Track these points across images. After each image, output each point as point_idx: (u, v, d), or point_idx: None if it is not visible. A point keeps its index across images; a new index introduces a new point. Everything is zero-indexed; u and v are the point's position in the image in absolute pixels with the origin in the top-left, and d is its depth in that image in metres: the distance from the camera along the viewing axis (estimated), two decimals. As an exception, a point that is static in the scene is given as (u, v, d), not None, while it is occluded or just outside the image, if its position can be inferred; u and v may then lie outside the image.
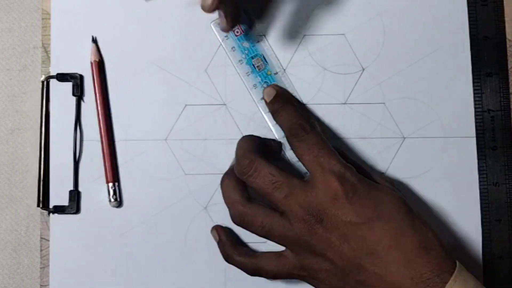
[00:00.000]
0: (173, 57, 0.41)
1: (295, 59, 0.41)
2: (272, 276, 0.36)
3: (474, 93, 0.40)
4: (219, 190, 0.40)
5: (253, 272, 0.37)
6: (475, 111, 0.40)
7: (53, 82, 0.41)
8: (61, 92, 0.40)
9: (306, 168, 0.35)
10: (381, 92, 0.41)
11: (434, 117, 0.40)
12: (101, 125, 0.40)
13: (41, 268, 0.40)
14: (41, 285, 0.40)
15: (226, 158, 0.40)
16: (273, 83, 0.40)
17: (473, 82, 0.41)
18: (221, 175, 0.40)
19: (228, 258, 0.38)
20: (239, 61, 0.40)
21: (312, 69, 0.41)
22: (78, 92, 0.40)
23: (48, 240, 0.40)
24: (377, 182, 0.36)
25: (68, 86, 0.40)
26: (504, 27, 0.41)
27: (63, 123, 0.40)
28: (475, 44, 0.41)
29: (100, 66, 0.40)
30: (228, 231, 0.39)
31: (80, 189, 0.40)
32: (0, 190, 0.41)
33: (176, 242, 0.40)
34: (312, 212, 0.34)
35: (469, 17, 0.41)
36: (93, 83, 0.40)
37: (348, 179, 0.34)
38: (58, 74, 0.40)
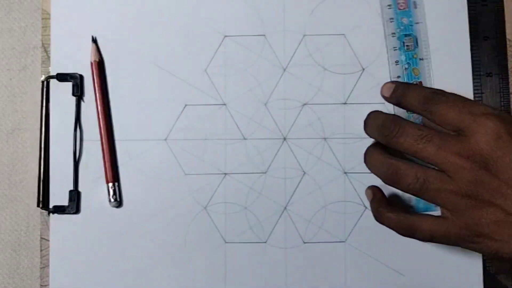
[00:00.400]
0: (173, 57, 0.41)
1: (295, 59, 0.41)
2: (428, 236, 0.33)
3: (474, 93, 0.40)
4: (219, 190, 0.40)
5: (406, 230, 0.34)
6: (475, 111, 0.40)
7: (53, 82, 0.41)
8: (61, 92, 0.40)
9: (455, 126, 0.32)
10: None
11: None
12: (101, 125, 0.40)
13: (41, 268, 0.40)
14: (41, 285, 0.40)
15: (226, 158, 0.40)
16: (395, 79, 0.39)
17: (473, 82, 0.41)
18: (221, 175, 0.40)
19: (379, 216, 0.36)
20: (392, 33, 0.40)
21: (312, 69, 0.41)
22: (78, 92, 0.40)
23: (48, 240, 0.40)
24: None
25: (68, 86, 0.40)
26: (504, 27, 0.41)
27: (63, 123, 0.40)
28: (475, 44, 0.41)
29: (100, 66, 0.40)
30: (382, 192, 0.38)
31: (80, 189, 0.40)
32: (0, 190, 0.41)
33: (176, 242, 0.40)
34: (474, 158, 0.31)
35: (469, 17, 0.41)
36: (93, 83, 0.40)
37: (507, 118, 0.31)
38: (58, 74, 0.40)
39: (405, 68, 0.40)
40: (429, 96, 0.34)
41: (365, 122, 0.37)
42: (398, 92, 0.36)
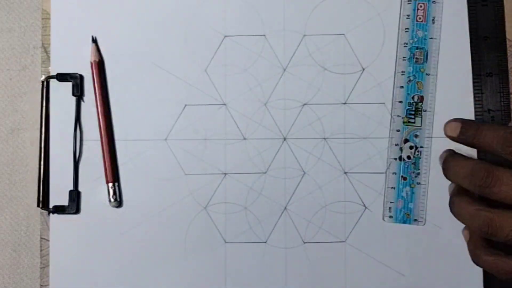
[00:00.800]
0: (173, 57, 0.41)
1: (295, 59, 0.41)
2: None
3: (474, 93, 0.40)
4: (219, 190, 0.40)
5: (506, 275, 0.33)
6: (475, 111, 0.40)
7: (53, 82, 0.41)
8: (61, 92, 0.40)
9: None
10: (381, 92, 0.41)
11: (434, 117, 0.40)
12: (101, 125, 0.40)
13: (41, 268, 0.40)
14: (41, 285, 0.40)
15: (226, 158, 0.40)
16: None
17: (473, 82, 0.41)
18: (221, 175, 0.40)
19: (476, 258, 0.35)
20: (404, 43, 0.40)
21: (312, 69, 0.41)
22: (78, 92, 0.40)
23: (48, 240, 0.40)
24: None
25: (68, 86, 0.40)
26: (504, 27, 0.41)
27: (63, 123, 0.40)
28: (475, 44, 0.41)
29: (100, 66, 0.40)
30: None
31: (80, 189, 0.40)
32: (0, 190, 0.41)
33: (176, 242, 0.40)
34: None
35: (469, 17, 0.41)
36: (93, 83, 0.40)
37: None
38: (58, 74, 0.40)
39: (409, 80, 0.40)
40: (510, 138, 0.33)
41: (446, 167, 0.36)
42: (469, 133, 0.36)
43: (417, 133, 0.40)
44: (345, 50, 0.41)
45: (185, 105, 0.41)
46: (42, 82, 0.40)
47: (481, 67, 0.41)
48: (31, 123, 0.41)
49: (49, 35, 0.41)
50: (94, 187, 0.40)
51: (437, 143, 0.40)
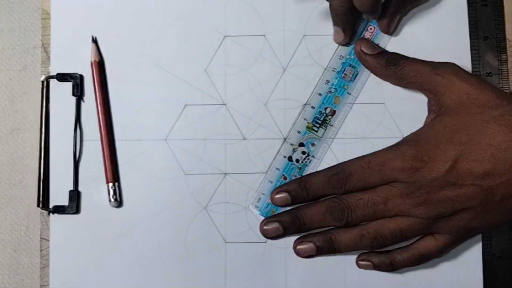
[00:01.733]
0: (173, 57, 0.41)
1: (295, 59, 0.41)
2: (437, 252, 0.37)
3: (474, 93, 0.40)
4: (219, 190, 0.40)
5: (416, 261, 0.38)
6: (475, 111, 0.40)
7: (53, 82, 0.41)
8: (61, 92, 0.40)
9: (380, 185, 0.37)
10: (381, 92, 0.41)
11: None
12: (101, 125, 0.40)
13: (41, 268, 0.40)
14: (41, 285, 0.40)
15: (226, 158, 0.40)
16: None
17: (473, 82, 0.40)
18: (221, 175, 0.40)
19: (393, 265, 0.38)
20: (340, 55, 0.40)
21: (312, 69, 0.41)
22: (78, 92, 0.40)
23: (48, 240, 0.40)
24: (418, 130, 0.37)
25: (68, 86, 0.40)
26: (504, 27, 0.41)
27: (63, 123, 0.40)
28: (475, 44, 0.41)
29: (100, 66, 0.40)
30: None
31: (80, 189, 0.40)
32: (0, 190, 0.41)
33: (176, 242, 0.40)
34: (414, 195, 0.35)
35: (469, 17, 0.41)
36: (93, 83, 0.40)
37: (407, 150, 0.36)
38: (58, 74, 0.40)
39: (330, 91, 0.40)
40: (336, 183, 0.37)
41: (308, 223, 0.38)
42: (300, 193, 0.38)
43: (315, 142, 0.40)
44: (345, 50, 0.41)
45: (185, 105, 0.41)
46: (42, 82, 0.40)
47: (481, 67, 0.41)
48: (31, 123, 0.41)
49: (49, 35, 0.41)
50: (94, 187, 0.40)
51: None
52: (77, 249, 0.40)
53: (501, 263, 0.40)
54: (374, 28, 0.40)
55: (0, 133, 0.41)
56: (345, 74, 0.40)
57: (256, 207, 0.40)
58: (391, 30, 0.40)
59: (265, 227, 0.39)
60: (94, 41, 0.41)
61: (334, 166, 0.38)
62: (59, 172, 0.40)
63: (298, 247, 0.39)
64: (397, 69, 0.38)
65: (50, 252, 0.40)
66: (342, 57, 0.40)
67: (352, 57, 0.40)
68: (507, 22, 0.41)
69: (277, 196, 0.38)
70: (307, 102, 0.40)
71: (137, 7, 0.41)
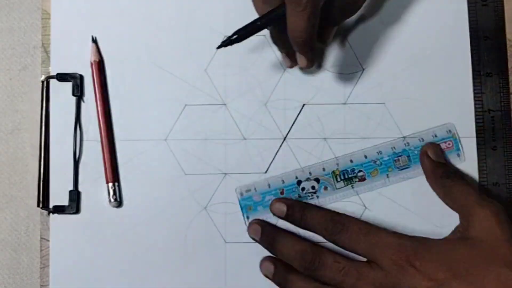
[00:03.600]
0: (173, 57, 0.41)
1: (295, 59, 0.41)
2: None
3: (474, 93, 0.40)
4: (219, 190, 0.40)
5: None
6: (475, 111, 0.40)
7: (53, 82, 0.41)
8: (61, 92, 0.40)
9: (365, 256, 0.36)
10: (381, 92, 0.41)
11: (434, 117, 0.40)
12: (101, 125, 0.40)
13: (41, 268, 0.40)
14: (41, 285, 0.40)
15: (226, 158, 0.40)
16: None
17: (473, 82, 0.41)
18: (221, 175, 0.40)
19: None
20: (393, 147, 0.40)
21: (312, 69, 0.41)
22: (78, 92, 0.40)
23: (48, 240, 0.40)
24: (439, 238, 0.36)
25: (68, 86, 0.40)
26: (504, 27, 0.41)
27: (63, 123, 0.40)
28: (475, 44, 0.41)
29: (100, 66, 0.40)
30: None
31: (80, 189, 0.40)
32: (0, 190, 0.41)
33: (176, 242, 0.40)
34: (386, 286, 0.34)
35: (469, 17, 0.41)
36: (93, 83, 0.40)
37: (406, 247, 0.35)
38: (58, 74, 0.40)
39: (375, 161, 0.40)
40: (329, 227, 0.37)
41: (273, 246, 0.38)
42: (296, 216, 0.38)
43: (328, 188, 0.40)
44: (345, 50, 0.41)
45: (185, 105, 0.41)
46: (42, 82, 0.40)
47: (481, 67, 0.41)
48: (31, 123, 0.41)
49: (49, 35, 0.41)
50: (94, 187, 0.40)
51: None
52: (77, 249, 0.40)
53: None
54: (452, 143, 0.40)
55: (0, 133, 0.41)
56: (398, 159, 0.40)
57: (241, 194, 0.40)
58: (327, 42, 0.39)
59: (249, 228, 0.39)
60: (94, 41, 0.41)
61: (336, 212, 0.38)
62: (59, 172, 0.40)
63: (263, 261, 0.39)
64: (448, 183, 0.37)
65: (50, 252, 0.40)
66: (408, 144, 0.40)
67: (416, 152, 0.40)
68: (507, 22, 0.41)
69: (278, 204, 0.39)
70: (352, 152, 0.40)
71: (137, 7, 0.41)
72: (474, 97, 0.40)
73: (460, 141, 0.40)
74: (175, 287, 0.40)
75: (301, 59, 0.37)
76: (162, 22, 0.41)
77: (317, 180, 0.40)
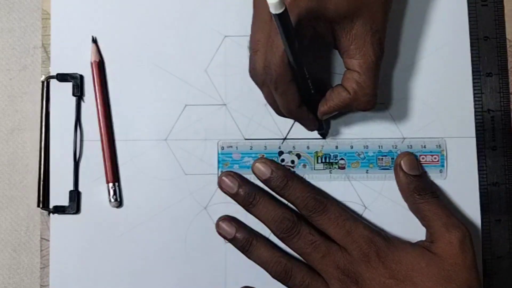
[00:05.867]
0: (173, 57, 0.41)
1: (295, 59, 0.41)
2: None
3: (474, 93, 0.40)
4: (219, 190, 0.40)
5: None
6: (475, 111, 0.40)
7: (53, 82, 0.41)
8: (61, 92, 0.40)
9: (337, 241, 0.36)
10: (381, 92, 0.41)
11: (434, 117, 0.40)
12: (101, 125, 0.40)
13: (41, 268, 0.40)
14: (41, 285, 0.40)
15: (226, 158, 0.40)
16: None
17: (473, 82, 0.41)
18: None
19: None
20: (380, 146, 0.40)
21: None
22: (78, 92, 0.40)
23: (48, 240, 0.40)
24: (408, 243, 0.37)
25: (68, 86, 0.40)
26: (504, 27, 0.41)
27: (63, 123, 0.40)
28: (475, 44, 0.41)
29: (100, 66, 0.40)
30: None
31: (80, 189, 0.40)
32: (0, 190, 0.41)
33: (176, 242, 0.40)
34: (347, 273, 0.36)
35: (469, 17, 0.41)
36: (93, 83, 0.40)
37: (377, 242, 0.36)
38: (58, 74, 0.40)
39: (359, 154, 0.40)
40: (310, 204, 0.37)
41: (255, 209, 0.38)
42: (278, 183, 0.38)
43: (307, 165, 0.40)
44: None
45: (185, 105, 0.41)
46: (42, 82, 0.40)
47: (481, 67, 0.41)
48: (31, 123, 0.41)
49: (49, 35, 0.41)
50: (94, 187, 0.40)
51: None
52: (77, 249, 0.40)
53: (501, 263, 0.40)
54: (438, 158, 0.40)
55: (0, 133, 0.41)
56: (382, 159, 0.40)
57: (222, 148, 0.40)
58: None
59: (223, 178, 0.39)
60: (94, 41, 0.41)
61: (321, 191, 0.39)
62: (59, 172, 0.40)
63: (221, 222, 0.39)
64: (419, 200, 0.37)
65: (50, 252, 0.40)
66: (396, 147, 0.40)
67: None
68: (507, 22, 0.41)
69: (262, 165, 0.38)
70: (340, 139, 0.40)
71: (137, 7, 0.41)
72: (474, 97, 0.40)
73: (447, 159, 0.40)
74: (175, 287, 0.40)
75: (304, 126, 0.38)
76: (162, 22, 0.41)
77: (298, 155, 0.40)
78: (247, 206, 0.38)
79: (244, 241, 0.38)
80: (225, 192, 0.39)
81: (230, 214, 0.40)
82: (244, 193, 0.38)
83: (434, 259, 0.35)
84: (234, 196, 0.39)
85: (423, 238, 0.38)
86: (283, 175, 0.38)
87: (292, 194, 0.38)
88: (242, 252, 0.38)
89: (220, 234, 0.39)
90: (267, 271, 0.38)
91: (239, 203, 0.39)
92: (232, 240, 0.39)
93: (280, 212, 0.37)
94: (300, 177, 0.39)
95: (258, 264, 0.38)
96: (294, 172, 0.39)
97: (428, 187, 0.38)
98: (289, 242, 0.37)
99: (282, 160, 0.40)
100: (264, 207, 0.38)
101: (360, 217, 0.40)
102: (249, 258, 0.38)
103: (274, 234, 0.38)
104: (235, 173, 0.39)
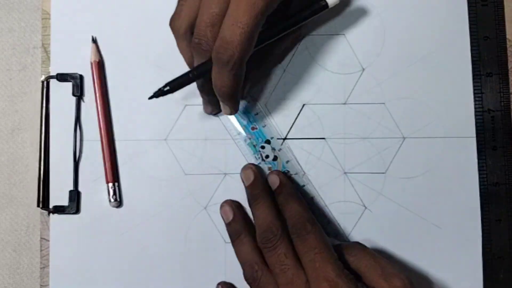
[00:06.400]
0: (173, 57, 0.41)
1: (295, 59, 0.41)
2: None
3: (474, 93, 0.40)
4: (219, 190, 0.40)
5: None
6: (475, 111, 0.40)
7: (53, 82, 0.41)
8: (61, 92, 0.40)
9: (303, 268, 0.35)
10: (381, 92, 0.41)
11: (434, 117, 0.40)
12: (101, 125, 0.40)
13: (41, 268, 0.40)
14: (41, 285, 0.40)
15: (226, 158, 0.40)
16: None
17: (473, 82, 0.41)
18: (221, 175, 0.40)
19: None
20: (257, 113, 0.40)
21: (312, 69, 0.41)
22: (78, 92, 0.40)
23: (48, 240, 0.40)
24: None
25: (68, 86, 0.40)
26: (504, 27, 0.41)
27: (63, 123, 0.40)
28: (475, 44, 0.41)
29: (100, 66, 0.40)
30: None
31: (80, 189, 0.40)
32: (0, 190, 0.41)
33: (176, 242, 0.40)
34: None
35: (469, 17, 0.41)
36: (93, 83, 0.40)
37: (339, 284, 0.33)
38: (58, 74, 0.40)
39: (239, 133, 0.40)
40: (298, 225, 0.36)
41: (259, 198, 0.38)
42: (280, 198, 0.38)
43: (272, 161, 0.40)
44: (345, 50, 0.41)
45: (185, 105, 0.41)
46: (42, 82, 0.40)
47: (481, 67, 0.41)
48: (31, 123, 0.41)
49: (49, 35, 0.41)
50: (94, 187, 0.40)
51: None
52: (77, 249, 0.40)
53: (501, 263, 0.40)
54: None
55: (0, 133, 0.41)
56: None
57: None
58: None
59: (246, 169, 0.39)
60: (94, 41, 0.41)
61: (310, 216, 0.37)
62: (59, 172, 0.40)
63: (225, 204, 0.39)
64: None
65: (50, 252, 0.40)
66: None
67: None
68: (507, 22, 0.41)
69: (274, 177, 0.39)
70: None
71: (137, 7, 0.41)
72: (474, 97, 0.40)
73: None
74: (175, 287, 0.40)
75: (225, 108, 0.37)
76: (162, 22, 0.41)
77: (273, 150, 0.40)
78: (252, 203, 0.38)
79: (234, 231, 0.38)
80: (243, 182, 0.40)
81: (230, 214, 0.40)
82: (255, 189, 0.38)
83: None
84: (249, 188, 0.39)
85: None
86: (288, 191, 0.38)
87: (287, 212, 0.37)
88: (230, 240, 0.39)
89: (221, 215, 0.39)
90: (242, 269, 0.37)
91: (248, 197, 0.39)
92: (227, 226, 0.39)
93: (270, 220, 0.37)
94: (299, 197, 0.38)
95: (237, 258, 0.38)
96: (294, 190, 0.39)
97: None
98: (264, 254, 0.36)
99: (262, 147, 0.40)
100: (262, 211, 0.37)
101: (360, 217, 0.40)
102: (233, 249, 0.38)
103: (257, 240, 0.37)
104: (255, 168, 0.39)
